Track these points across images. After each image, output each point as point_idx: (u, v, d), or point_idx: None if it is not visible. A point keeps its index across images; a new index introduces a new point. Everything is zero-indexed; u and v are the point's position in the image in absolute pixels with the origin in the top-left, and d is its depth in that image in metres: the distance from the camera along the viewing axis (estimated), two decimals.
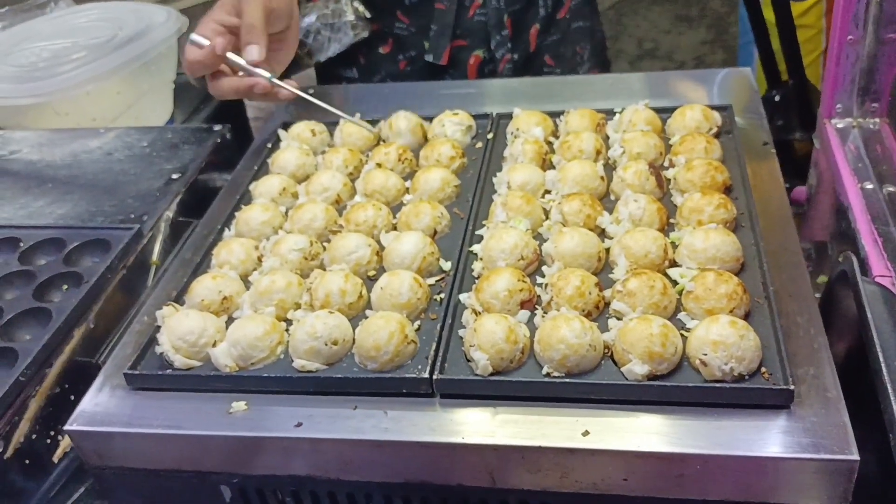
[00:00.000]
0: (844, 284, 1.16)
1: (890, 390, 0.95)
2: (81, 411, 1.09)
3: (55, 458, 1.24)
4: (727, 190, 1.25)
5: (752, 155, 1.36)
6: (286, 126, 1.60)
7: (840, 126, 1.52)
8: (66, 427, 1.08)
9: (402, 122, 1.51)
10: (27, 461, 1.20)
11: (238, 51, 1.47)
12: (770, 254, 1.14)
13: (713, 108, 1.43)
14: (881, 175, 1.38)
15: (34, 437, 1.22)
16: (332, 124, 1.59)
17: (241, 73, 1.49)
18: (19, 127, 2.00)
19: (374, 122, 1.56)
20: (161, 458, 1.07)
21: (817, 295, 1.17)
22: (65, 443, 1.24)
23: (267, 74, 1.47)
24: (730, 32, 4.74)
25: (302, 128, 1.56)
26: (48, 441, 1.24)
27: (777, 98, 2.22)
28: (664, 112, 1.45)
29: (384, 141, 1.53)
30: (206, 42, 1.45)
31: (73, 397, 1.25)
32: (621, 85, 1.65)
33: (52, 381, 1.25)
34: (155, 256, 1.52)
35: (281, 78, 1.62)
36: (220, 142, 1.76)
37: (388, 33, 1.94)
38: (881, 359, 0.98)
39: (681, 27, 4.93)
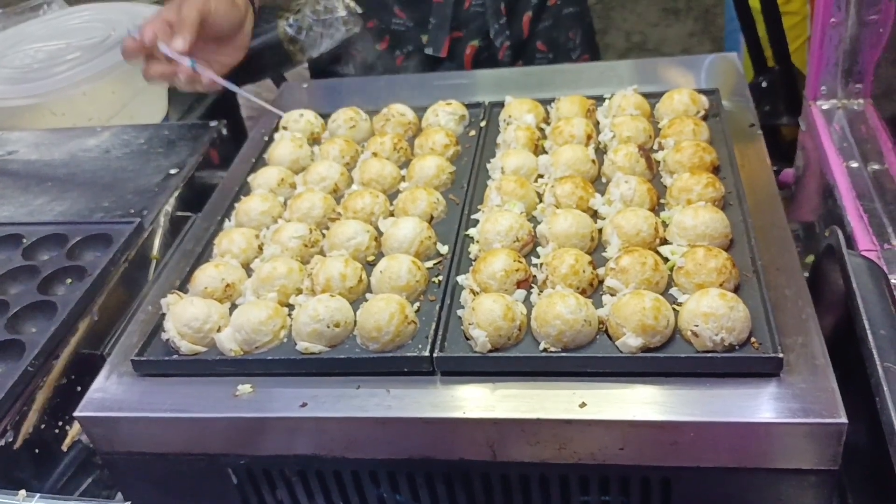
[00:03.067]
0: (831, 259, 1.19)
1: (875, 356, 0.98)
2: (90, 398, 1.12)
3: (64, 447, 1.27)
4: (715, 170, 1.28)
5: (739, 136, 1.39)
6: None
7: (825, 107, 1.55)
8: (76, 413, 1.10)
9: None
10: (36, 450, 1.23)
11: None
12: (758, 230, 1.16)
13: (700, 91, 1.46)
14: (865, 154, 1.42)
15: (42, 427, 1.24)
16: (325, 115, 1.61)
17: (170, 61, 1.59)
18: (16, 128, 2.02)
19: (370, 114, 1.59)
20: (170, 442, 1.10)
21: (805, 274, 1.20)
22: (73, 431, 1.27)
23: (188, 61, 1.55)
24: (717, 24, 4.77)
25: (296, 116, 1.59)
26: (56, 431, 1.27)
27: (764, 84, 2.25)
28: (653, 97, 1.48)
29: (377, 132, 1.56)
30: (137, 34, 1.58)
31: (79, 388, 1.27)
32: (610, 72, 1.68)
33: (59, 372, 1.27)
34: (155, 251, 1.54)
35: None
36: (217, 137, 1.79)
37: (384, 30, 1.97)
38: (867, 326, 1.01)
39: (668, 20, 4.96)
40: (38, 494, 0.92)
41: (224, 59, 1.70)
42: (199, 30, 1.57)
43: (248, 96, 1.69)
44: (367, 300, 1.13)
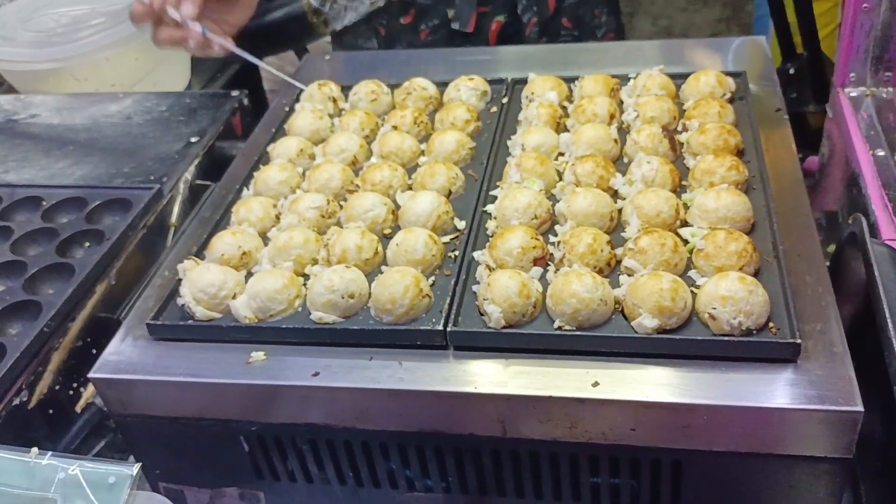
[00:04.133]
0: (853, 246, 1.17)
1: (895, 345, 0.96)
2: (105, 360, 1.12)
3: (78, 408, 1.28)
4: (739, 153, 1.27)
5: (765, 120, 1.37)
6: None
7: (853, 95, 1.53)
8: (91, 375, 1.11)
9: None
10: (50, 411, 1.24)
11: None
12: (780, 215, 1.15)
13: (727, 74, 1.44)
14: (893, 143, 1.39)
15: (57, 388, 1.25)
16: (347, 87, 1.60)
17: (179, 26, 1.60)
18: (39, 92, 2.03)
19: (392, 87, 1.58)
20: (183, 406, 1.10)
21: (827, 263, 1.18)
22: (87, 393, 1.28)
23: (199, 28, 1.56)
24: (745, 10, 4.71)
25: (315, 88, 1.58)
26: (70, 393, 1.28)
27: (791, 70, 2.21)
28: (678, 78, 1.46)
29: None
30: None
31: (94, 351, 1.28)
32: (636, 52, 1.66)
33: (75, 334, 1.28)
34: (174, 218, 1.55)
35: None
36: (238, 107, 1.79)
37: (410, 3, 1.95)
38: (888, 315, 1.00)
39: (696, 5, 4.91)
40: (50, 452, 0.92)
41: (232, 19, 1.70)
42: None
43: (260, 63, 1.68)
44: (382, 272, 1.13)
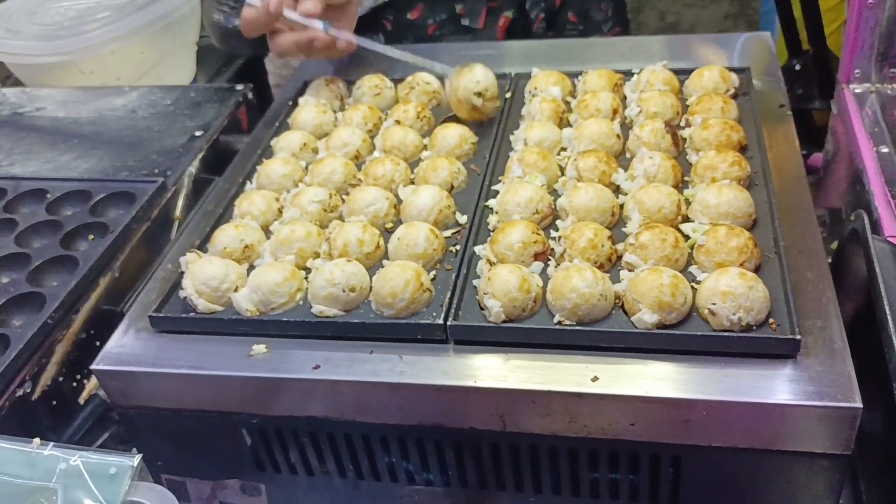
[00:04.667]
0: (855, 243, 1.17)
1: (895, 342, 0.96)
2: (108, 352, 1.13)
3: (81, 400, 1.28)
4: (742, 149, 1.26)
5: (769, 116, 1.37)
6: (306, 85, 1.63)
7: (858, 91, 1.52)
8: (93, 366, 1.11)
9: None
10: (54, 402, 1.25)
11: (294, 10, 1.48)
12: (783, 211, 1.15)
13: (731, 69, 1.44)
14: None
15: (61, 379, 1.26)
16: (351, 82, 1.61)
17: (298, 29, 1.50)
18: (45, 85, 2.03)
19: (395, 82, 1.58)
20: (184, 398, 1.11)
21: (829, 260, 1.18)
22: (90, 385, 1.29)
23: (320, 24, 1.45)
24: (752, 6, 4.69)
25: (322, 84, 1.58)
26: (74, 385, 1.29)
27: (797, 67, 2.21)
28: (683, 73, 1.46)
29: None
30: (259, 2, 1.47)
31: (98, 343, 1.29)
32: (641, 48, 1.65)
33: (79, 326, 1.29)
34: (178, 212, 1.55)
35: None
36: (242, 101, 1.79)
37: None
38: (888, 311, 0.99)
39: (704, 0, 4.89)
40: (52, 443, 0.93)
41: (340, 26, 1.57)
42: None
43: (404, 55, 1.53)
44: (383, 266, 1.13)
